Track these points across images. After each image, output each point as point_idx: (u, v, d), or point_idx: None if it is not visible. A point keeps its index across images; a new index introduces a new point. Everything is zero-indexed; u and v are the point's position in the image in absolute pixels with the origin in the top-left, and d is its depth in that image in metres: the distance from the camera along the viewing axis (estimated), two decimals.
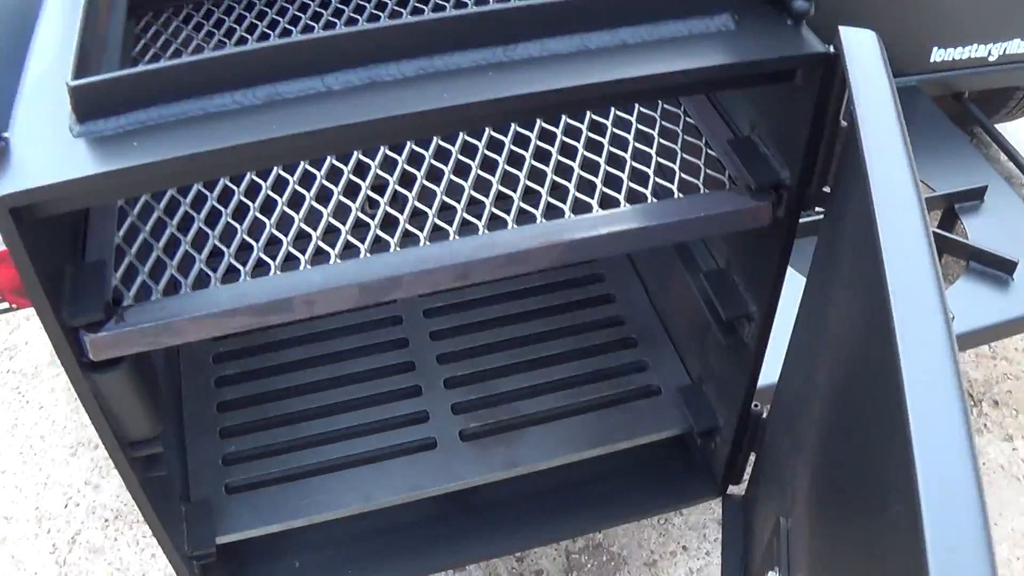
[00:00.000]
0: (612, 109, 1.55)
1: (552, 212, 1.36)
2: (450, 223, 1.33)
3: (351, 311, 1.97)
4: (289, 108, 1.13)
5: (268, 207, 1.40)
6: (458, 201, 1.37)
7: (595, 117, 1.54)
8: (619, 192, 1.40)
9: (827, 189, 1.35)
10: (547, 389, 1.87)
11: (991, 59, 2.52)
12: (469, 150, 1.47)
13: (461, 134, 1.50)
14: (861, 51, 1.19)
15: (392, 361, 1.93)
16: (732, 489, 1.91)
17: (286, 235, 1.34)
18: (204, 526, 1.66)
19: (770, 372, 1.64)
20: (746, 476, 1.88)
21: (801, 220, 1.40)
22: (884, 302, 0.94)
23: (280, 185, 1.43)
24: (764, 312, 1.53)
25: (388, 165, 1.45)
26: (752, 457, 1.81)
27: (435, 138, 1.48)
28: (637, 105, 1.57)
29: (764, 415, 1.73)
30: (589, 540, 2.29)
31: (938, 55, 2.47)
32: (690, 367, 1.90)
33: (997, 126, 2.75)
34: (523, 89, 1.15)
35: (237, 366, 1.93)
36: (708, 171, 1.44)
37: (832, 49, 1.21)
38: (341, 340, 1.96)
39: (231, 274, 1.30)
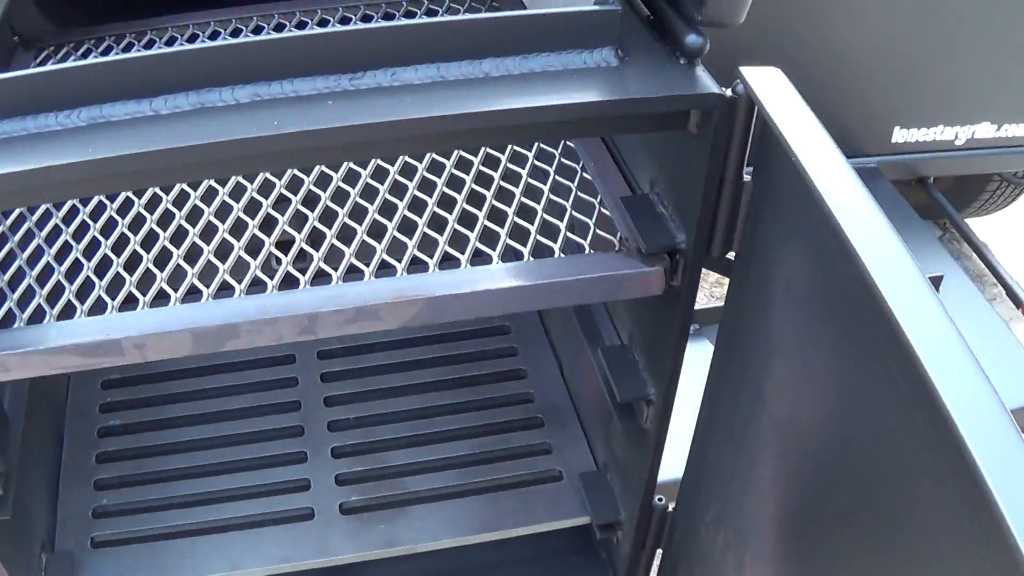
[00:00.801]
0: (502, 164, 1.48)
1: (416, 267, 1.28)
2: (303, 272, 1.26)
3: (247, 367, 1.91)
4: (113, 131, 1.07)
5: (121, 243, 1.34)
6: (316, 249, 1.31)
7: (483, 168, 1.47)
8: (493, 249, 1.32)
9: (731, 255, 1.27)
10: (440, 466, 1.78)
11: (958, 143, 2.39)
12: (340, 197, 1.41)
13: (335, 177, 1.43)
14: (776, 91, 1.09)
15: (282, 424, 1.84)
16: None
17: (131, 274, 1.27)
18: None
19: (677, 465, 1.56)
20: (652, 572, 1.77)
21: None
22: (917, 381, 0.83)
23: (138, 221, 1.37)
24: (664, 393, 1.43)
25: (251, 208, 1.38)
26: (658, 553, 1.71)
27: (306, 181, 1.43)
28: (530, 158, 1.50)
29: (669, 509, 1.63)
30: None
31: (900, 135, 2.33)
32: (596, 452, 1.80)
33: (975, 219, 2.63)
34: (363, 119, 1.08)
35: (122, 417, 1.85)
36: (599, 231, 1.35)
37: (730, 92, 1.11)
38: (233, 399, 1.88)
39: (69, 311, 1.23)
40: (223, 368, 1.92)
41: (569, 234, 1.36)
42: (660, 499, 1.62)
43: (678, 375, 1.41)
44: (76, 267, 1.31)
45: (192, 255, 1.30)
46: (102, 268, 1.29)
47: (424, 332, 1.97)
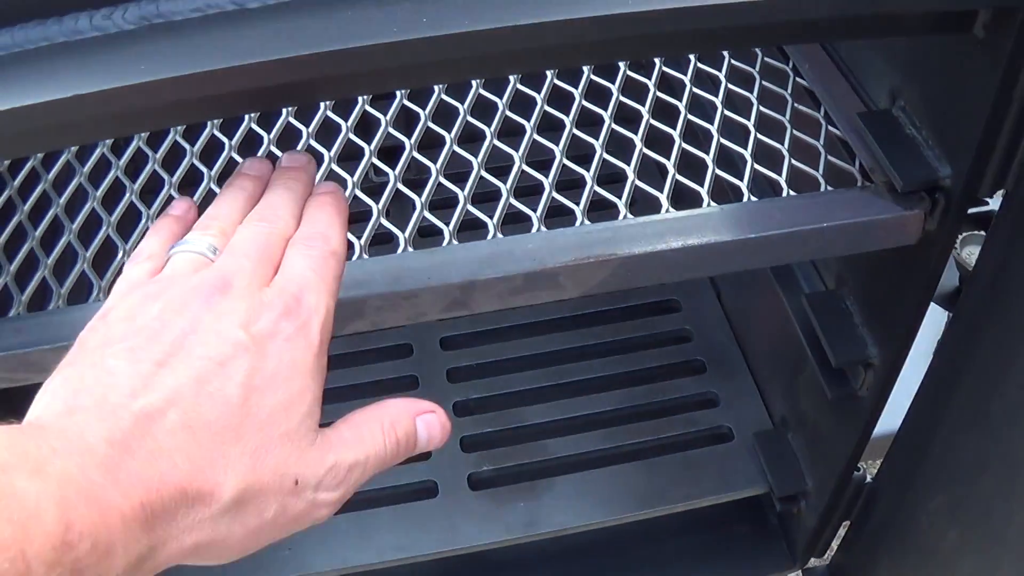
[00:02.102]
0: (692, 65, 1.10)
1: (597, 213, 0.92)
2: (447, 222, 0.91)
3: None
4: (180, 36, 0.70)
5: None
6: (461, 187, 0.95)
7: (667, 70, 1.09)
8: (700, 182, 0.96)
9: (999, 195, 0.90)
10: (584, 425, 1.44)
11: None
12: (484, 108, 1.04)
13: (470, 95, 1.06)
14: None
15: (391, 374, 1.51)
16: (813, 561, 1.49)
17: None
18: None
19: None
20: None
21: None
22: None
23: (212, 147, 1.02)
24: (891, 358, 1.07)
25: (365, 128, 1.02)
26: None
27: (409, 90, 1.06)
28: (726, 57, 1.12)
29: (868, 479, 1.30)
30: None
31: None
32: (772, 407, 1.46)
33: None
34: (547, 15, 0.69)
35: None
36: (830, 157, 0.99)
37: None
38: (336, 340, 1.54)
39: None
40: None
41: (794, 160, 0.99)
42: (860, 468, 1.29)
43: (913, 338, 1.05)
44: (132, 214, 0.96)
45: None
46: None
47: None
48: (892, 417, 1.23)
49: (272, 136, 1.02)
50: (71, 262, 0.91)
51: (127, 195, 0.97)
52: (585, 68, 1.09)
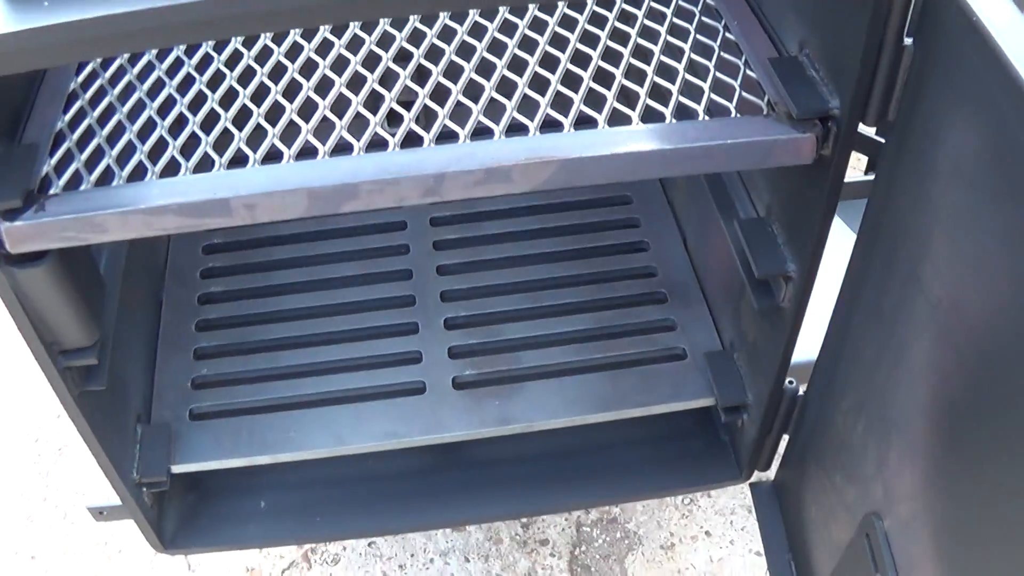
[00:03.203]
0: (639, 20, 1.33)
1: (550, 128, 1.15)
2: (428, 129, 1.14)
3: (356, 234, 1.81)
4: None
5: (230, 96, 1.23)
6: (441, 106, 1.18)
7: (618, 25, 1.32)
8: (632, 109, 1.18)
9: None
10: (558, 340, 1.67)
11: None
12: (465, 51, 1.27)
13: (460, 30, 1.30)
14: None
15: (392, 293, 1.74)
16: (759, 475, 1.70)
17: (240, 130, 1.16)
18: (158, 452, 1.50)
19: (808, 347, 1.44)
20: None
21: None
22: None
23: (247, 74, 1.25)
24: (805, 271, 1.30)
25: (370, 61, 1.25)
26: (784, 439, 1.61)
27: (428, 33, 1.29)
28: (669, 15, 1.34)
29: (800, 392, 1.52)
30: (604, 513, 2.10)
31: None
32: (723, 331, 1.68)
33: None
34: None
35: (224, 283, 1.76)
36: (744, 94, 1.21)
37: None
38: (340, 265, 1.77)
39: (173, 168, 1.13)
40: (330, 234, 1.82)
41: (714, 96, 1.21)
42: (791, 382, 1.51)
43: (821, 252, 1.28)
44: (180, 122, 1.19)
45: (306, 111, 1.19)
46: (209, 123, 1.18)
47: (542, 200, 1.85)
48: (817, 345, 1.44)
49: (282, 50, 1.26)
50: (131, 152, 1.15)
51: (177, 106, 1.21)
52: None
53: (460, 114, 1.17)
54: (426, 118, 1.17)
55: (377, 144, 1.13)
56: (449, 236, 1.83)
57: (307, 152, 1.12)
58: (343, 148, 1.12)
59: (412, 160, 1.10)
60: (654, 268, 1.78)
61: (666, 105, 1.19)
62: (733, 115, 1.18)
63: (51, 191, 1.09)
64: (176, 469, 1.52)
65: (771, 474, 1.68)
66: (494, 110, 1.17)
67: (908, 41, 1.04)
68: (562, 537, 2.06)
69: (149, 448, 1.51)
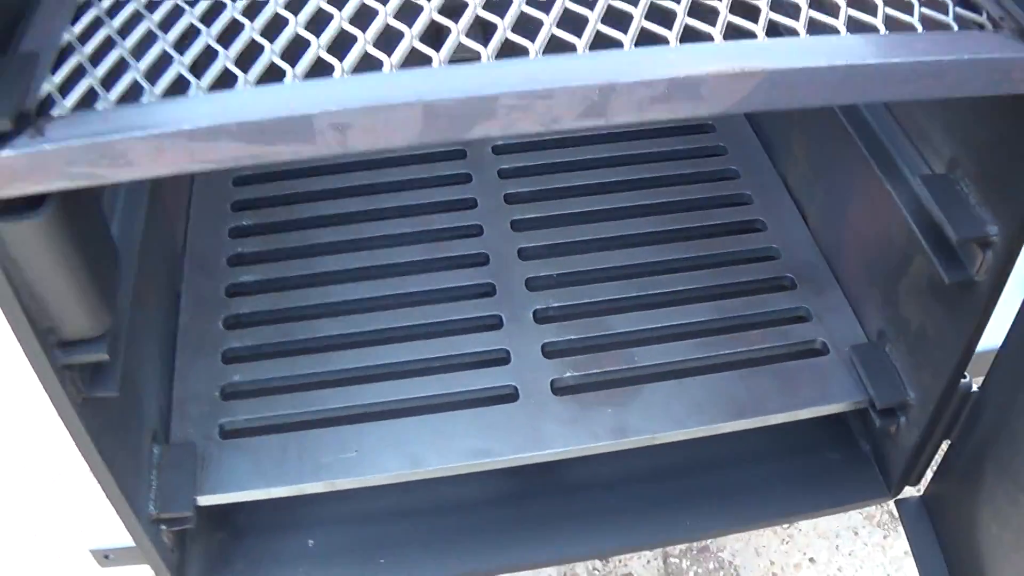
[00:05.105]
0: None
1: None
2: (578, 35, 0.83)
3: (418, 212, 1.50)
4: None
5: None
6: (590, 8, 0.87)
7: None
8: (836, 17, 0.89)
9: None
10: (673, 335, 1.36)
11: None
12: None
13: None
14: None
15: (466, 281, 1.43)
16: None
17: (318, 36, 0.85)
18: (181, 479, 1.18)
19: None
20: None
21: None
22: None
23: None
24: (1012, 234, 1.03)
25: None
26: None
27: None
28: None
29: (973, 388, 1.23)
30: (693, 542, 1.78)
31: None
32: (868, 321, 1.37)
33: None
34: None
35: (257, 272, 1.44)
36: (957, 9, 0.92)
37: None
38: (404, 249, 1.46)
39: (227, 82, 0.81)
40: (384, 214, 1.52)
41: (922, 8, 0.92)
42: (965, 376, 1.21)
43: None
44: (234, 28, 0.88)
45: (407, 10, 0.88)
46: (273, 28, 0.87)
47: (637, 174, 1.57)
48: (996, 335, 1.16)
49: None
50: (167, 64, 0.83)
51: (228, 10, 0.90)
52: None
53: (617, 16, 0.86)
54: (573, 21, 0.86)
55: (513, 51, 0.82)
56: (528, 215, 1.52)
57: (418, 59, 0.81)
58: (466, 56, 0.82)
59: (566, 70, 0.79)
60: (775, 250, 1.48)
61: (874, 14, 0.89)
62: (954, 29, 0.89)
63: (54, 111, 0.78)
64: (204, 501, 1.20)
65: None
66: (659, 11, 0.87)
67: None
68: (647, 571, 1.75)
69: (169, 474, 1.19)
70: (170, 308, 1.38)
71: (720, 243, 1.48)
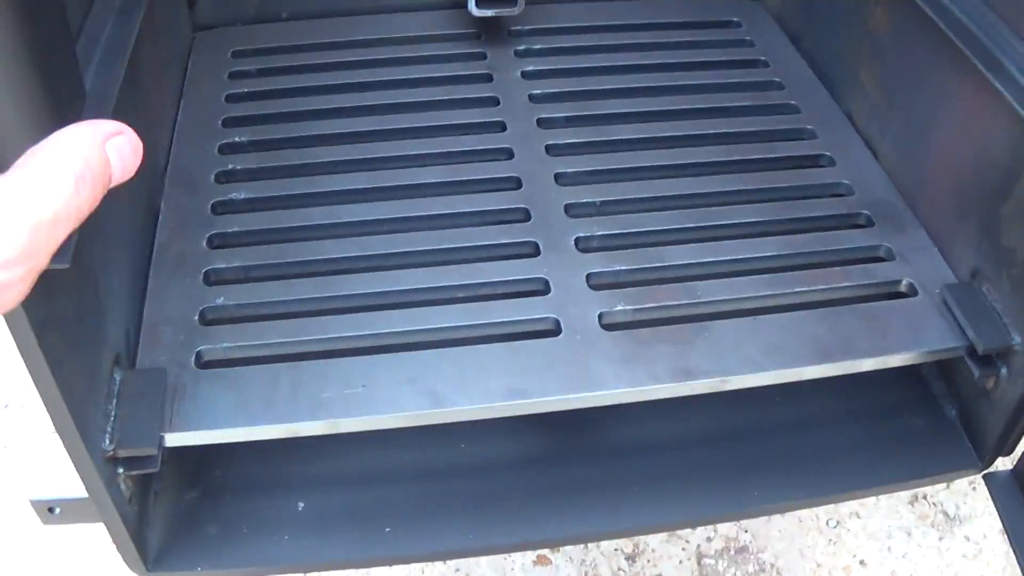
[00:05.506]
0: None
1: None
2: None
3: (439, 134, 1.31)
4: None
5: None
6: None
7: None
8: None
9: None
10: (740, 270, 1.15)
11: None
12: None
13: None
14: None
15: (495, 205, 1.22)
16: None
17: None
18: (145, 410, 0.95)
19: None
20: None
21: None
22: None
23: None
24: None
25: None
26: None
27: None
28: None
29: None
30: (730, 541, 1.58)
31: None
32: (958, 260, 1.17)
33: None
34: None
35: (250, 189, 1.23)
36: None
37: None
38: (425, 170, 1.27)
39: None
40: (404, 133, 1.32)
41: None
42: None
43: None
44: None
45: None
46: None
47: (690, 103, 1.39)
48: None
49: None
50: None
51: None
52: None
53: None
54: None
55: None
56: (566, 139, 1.33)
57: None
58: None
59: None
60: (846, 186, 1.28)
61: None
62: None
63: None
64: (172, 440, 0.96)
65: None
66: None
67: None
68: (679, 572, 1.53)
69: (132, 405, 0.95)
70: (145, 222, 1.16)
71: (784, 176, 1.29)
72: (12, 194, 0.46)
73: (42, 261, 0.47)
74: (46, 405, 0.82)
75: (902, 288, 1.16)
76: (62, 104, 0.71)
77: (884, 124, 1.33)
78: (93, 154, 0.50)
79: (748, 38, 1.56)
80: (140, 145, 0.54)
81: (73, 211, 0.49)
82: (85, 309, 0.90)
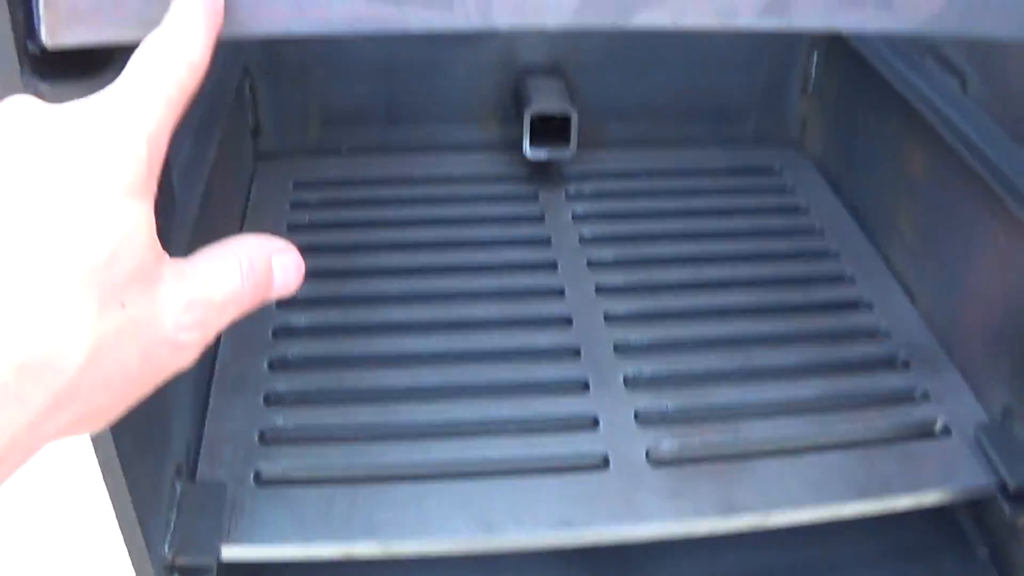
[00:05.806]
0: None
1: None
2: None
3: (496, 270, 1.37)
4: None
5: None
6: None
7: None
8: None
9: None
10: (782, 410, 1.19)
11: None
12: None
13: None
14: None
15: (547, 343, 1.27)
16: None
17: None
18: (206, 523, 0.98)
19: None
20: None
21: None
22: None
23: None
24: None
25: None
26: None
27: None
28: None
29: None
30: None
31: None
32: (990, 400, 1.21)
33: None
34: None
35: (309, 315, 1.29)
36: None
37: None
38: (475, 305, 1.32)
39: None
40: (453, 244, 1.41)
41: None
42: None
43: None
44: None
45: None
46: None
47: (724, 246, 1.46)
48: None
49: None
50: None
51: None
52: None
53: None
54: None
55: None
56: (614, 281, 1.39)
57: None
58: None
59: None
60: (884, 328, 1.33)
61: None
62: None
63: None
64: (229, 553, 0.99)
65: None
66: None
67: None
68: None
69: (192, 516, 0.99)
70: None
71: (824, 320, 1.33)
72: (193, 275, 0.51)
73: (210, 335, 0.53)
74: (114, 506, 0.86)
75: (936, 428, 1.19)
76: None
77: (920, 267, 1.38)
78: (259, 261, 0.54)
79: (789, 183, 1.63)
80: (303, 266, 0.57)
81: (238, 303, 0.53)
82: (154, 417, 0.94)
